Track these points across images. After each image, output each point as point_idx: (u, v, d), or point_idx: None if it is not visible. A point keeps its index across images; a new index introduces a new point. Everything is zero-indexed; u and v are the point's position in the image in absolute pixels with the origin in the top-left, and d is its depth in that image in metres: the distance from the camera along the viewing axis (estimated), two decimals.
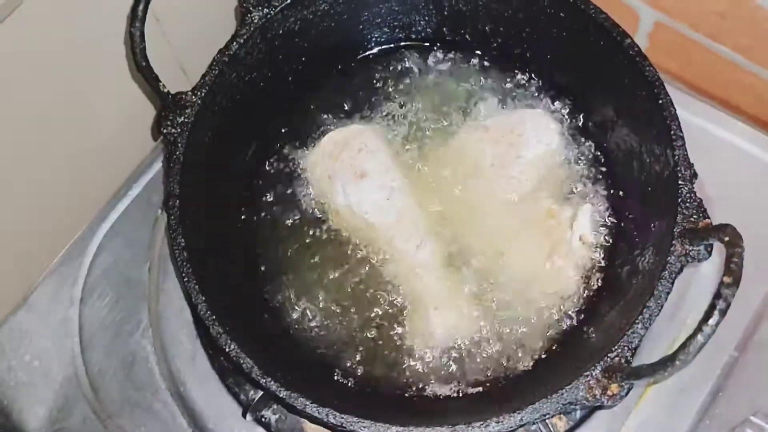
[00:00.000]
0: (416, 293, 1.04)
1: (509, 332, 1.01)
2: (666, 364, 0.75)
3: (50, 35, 1.01)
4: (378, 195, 1.09)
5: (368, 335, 1.02)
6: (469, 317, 1.02)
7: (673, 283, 0.86)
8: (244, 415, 1.04)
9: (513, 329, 1.02)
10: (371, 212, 1.08)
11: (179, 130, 0.98)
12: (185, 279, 0.91)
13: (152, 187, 1.22)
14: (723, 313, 0.73)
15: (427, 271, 1.05)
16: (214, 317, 0.89)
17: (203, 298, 0.90)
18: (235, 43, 1.04)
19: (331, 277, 1.06)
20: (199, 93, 1.00)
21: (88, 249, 1.18)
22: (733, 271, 0.75)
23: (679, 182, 0.90)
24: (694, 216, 0.88)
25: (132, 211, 1.21)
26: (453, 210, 1.09)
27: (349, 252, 1.07)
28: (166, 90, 0.99)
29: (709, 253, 0.86)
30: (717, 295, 0.73)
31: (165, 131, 0.98)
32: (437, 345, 1.01)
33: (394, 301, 1.04)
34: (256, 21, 1.05)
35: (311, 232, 1.09)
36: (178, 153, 0.97)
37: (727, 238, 0.79)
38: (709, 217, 0.88)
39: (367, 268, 1.06)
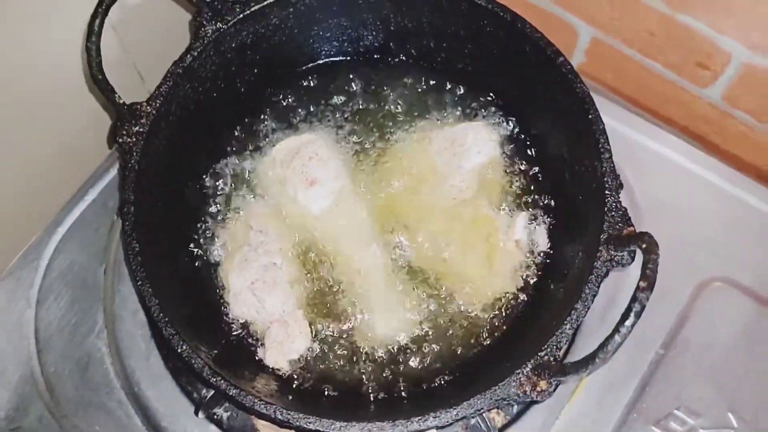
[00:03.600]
0: (362, 295, 1.08)
1: (449, 332, 1.07)
2: (588, 362, 0.81)
3: (7, 46, 1.04)
4: (327, 201, 1.14)
5: (316, 336, 1.07)
6: (411, 318, 1.07)
7: (599, 287, 0.92)
8: (196, 413, 1.07)
9: (453, 329, 1.07)
10: (320, 217, 1.13)
11: (134, 140, 1.01)
12: (139, 283, 0.94)
13: (108, 192, 1.25)
14: (638, 315, 0.79)
15: (373, 273, 1.09)
16: (167, 319, 0.92)
17: (156, 301, 0.93)
18: (189, 55, 1.07)
19: None
20: (153, 104, 1.03)
21: (44, 252, 1.20)
22: (648, 276, 0.80)
23: (606, 192, 0.95)
24: (619, 224, 0.93)
25: (88, 216, 1.23)
26: (398, 216, 1.13)
27: (299, 256, 1.12)
28: (121, 101, 1.02)
29: (633, 259, 0.92)
30: (633, 299, 0.79)
31: (120, 140, 1.01)
32: (381, 345, 1.06)
33: (341, 302, 1.09)
34: (209, 34, 1.09)
35: (262, 237, 1.12)
36: (132, 161, 1.00)
37: (644, 246, 0.84)
38: (632, 225, 0.94)
39: (315, 270, 1.11)
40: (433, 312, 1.08)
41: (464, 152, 1.15)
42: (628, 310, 0.79)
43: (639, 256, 0.87)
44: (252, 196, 1.16)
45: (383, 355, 1.05)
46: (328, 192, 1.14)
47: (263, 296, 1.05)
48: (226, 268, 1.10)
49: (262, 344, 1.06)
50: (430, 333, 1.07)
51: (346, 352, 1.06)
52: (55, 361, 1.13)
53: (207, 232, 1.14)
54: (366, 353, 1.06)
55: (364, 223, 1.13)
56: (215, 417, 1.08)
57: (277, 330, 1.04)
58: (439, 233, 1.12)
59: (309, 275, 1.10)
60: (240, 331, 1.07)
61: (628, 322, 0.79)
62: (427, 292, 1.09)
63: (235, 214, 1.15)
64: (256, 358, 1.05)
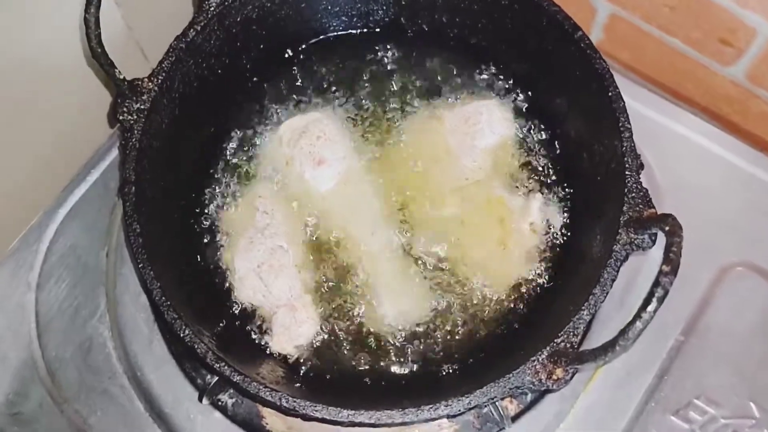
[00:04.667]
0: (371, 279, 1.06)
1: (461, 317, 1.04)
2: (607, 349, 0.77)
3: (2, 20, 1.01)
4: (335, 181, 1.11)
5: (324, 321, 1.04)
6: (422, 303, 1.04)
7: (618, 271, 0.88)
8: (200, 399, 1.05)
9: (465, 314, 1.04)
10: (328, 198, 1.10)
11: (135, 117, 0.98)
12: (140, 265, 0.91)
13: (110, 173, 1.22)
14: (661, 300, 0.75)
15: (382, 256, 1.07)
16: (168, 303, 0.89)
17: (158, 284, 0.90)
18: (192, 30, 1.04)
19: None
20: (155, 80, 1.00)
21: (45, 234, 1.18)
22: (671, 260, 0.77)
23: (626, 173, 0.92)
24: (640, 206, 0.90)
25: (90, 197, 1.21)
26: (408, 197, 1.10)
27: (306, 239, 1.09)
28: (122, 77, 0.99)
29: (653, 242, 0.88)
30: (656, 283, 0.76)
31: (121, 118, 0.98)
32: (390, 330, 1.03)
33: (350, 287, 1.06)
34: (213, 8, 1.05)
35: (268, 219, 1.09)
36: (134, 140, 0.97)
37: (667, 228, 0.81)
38: (653, 207, 0.90)
39: (323, 253, 1.08)
40: (445, 297, 1.05)
41: (477, 131, 1.12)
42: (651, 295, 0.76)
43: (660, 240, 0.84)
44: (258, 176, 1.13)
45: (393, 340, 1.03)
46: (336, 172, 1.11)
47: (270, 280, 1.03)
48: (231, 250, 1.07)
49: (268, 329, 1.03)
50: (442, 318, 1.04)
51: (354, 337, 1.03)
52: (56, 346, 1.11)
53: (211, 213, 1.11)
54: (375, 339, 1.03)
55: (373, 204, 1.10)
56: (219, 403, 1.06)
57: (284, 315, 1.02)
58: (451, 214, 1.09)
59: (316, 258, 1.07)
60: (245, 315, 1.04)
61: (650, 308, 0.75)
62: (438, 276, 1.06)
63: (241, 194, 1.12)
64: (262, 343, 1.02)
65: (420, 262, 1.07)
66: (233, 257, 1.06)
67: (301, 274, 1.06)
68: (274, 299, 1.03)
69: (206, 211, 1.11)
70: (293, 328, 1.01)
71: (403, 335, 1.03)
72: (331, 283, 1.06)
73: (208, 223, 1.10)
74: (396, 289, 1.05)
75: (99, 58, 0.97)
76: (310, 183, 1.10)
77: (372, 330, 1.03)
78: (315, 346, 1.03)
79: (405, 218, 1.09)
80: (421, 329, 1.03)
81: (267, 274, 1.03)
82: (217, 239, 1.09)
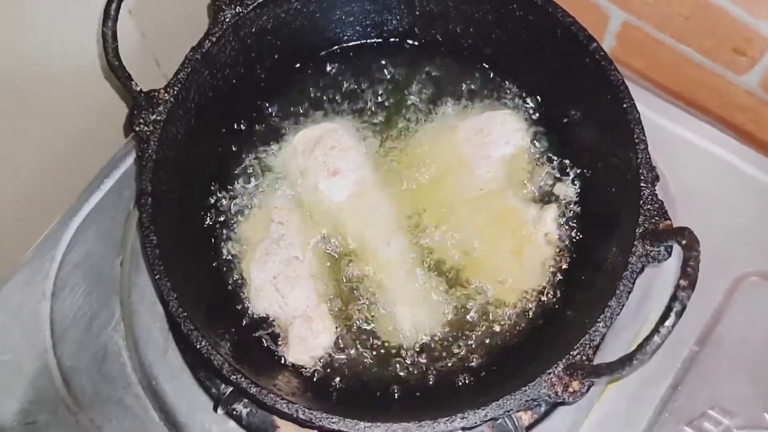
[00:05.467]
0: (386, 289, 1.05)
1: (476, 328, 1.04)
2: (624, 363, 0.77)
3: (22, 32, 1.01)
4: (349, 192, 1.11)
5: (338, 331, 1.04)
6: (437, 313, 1.04)
7: (634, 283, 0.88)
8: (215, 409, 1.05)
9: (479, 326, 1.04)
10: (343, 209, 1.10)
11: (152, 128, 0.98)
12: (157, 276, 0.91)
13: (125, 181, 1.22)
14: (679, 315, 0.75)
15: (397, 267, 1.06)
16: (185, 314, 0.90)
17: (174, 295, 0.90)
18: (207, 41, 1.04)
19: None
20: (171, 91, 1.00)
21: (60, 243, 1.18)
22: (689, 274, 0.77)
23: (641, 184, 0.92)
24: (656, 218, 0.90)
25: (104, 205, 1.21)
26: (423, 208, 1.10)
27: (321, 249, 1.09)
28: (138, 88, 0.99)
29: (669, 254, 0.88)
30: (673, 298, 0.76)
31: (137, 129, 0.98)
32: (406, 341, 1.03)
33: (365, 297, 1.06)
34: (228, 19, 1.06)
35: (284, 230, 1.09)
36: (150, 151, 0.97)
37: (684, 242, 0.80)
38: (669, 219, 0.90)
39: (338, 263, 1.08)
40: (459, 307, 1.05)
41: (491, 142, 1.11)
42: (668, 309, 0.75)
43: (676, 251, 0.83)
44: (272, 187, 1.13)
45: (409, 351, 1.03)
46: (351, 182, 1.11)
47: (286, 291, 1.03)
48: (247, 261, 1.07)
49: (284, 340, 1.03)
50: (457, 329, 1.04)
51: (370, 348, 1.03)
52: (71, 355, 1.11)
53: (226, 223, 1.11)
54: (391, 349, 1.03)
55: (388, 215, 1.10)
56: (234, 413, 1.06)
57: (300, 325, 1.01)
58: (465, 225, 1.08)
59: (332, 269, 1.07)
60: (261, 326, 1.04)
61: (668, 323, 0.75)
62: (452, 286, 1.06)
63: (256, 205, 1.12)
64: (278, 354, 1.02)
65: (435, 272, 1.06)
66: (249, 268, 1.06)
67: (317, 284, 1.06)
68: (290, 310, 1.03)
69: (221, 221, 1.11)
70: (309, 339, 1.01)
71: (419, 346, 1.03)
72: (346, 294, 1.06)
73: (223, 233, 1.10)
74: (411, 300, 1.04)
75: (116, 71, 0.97)
76: (324, 193, 1.10)
77: (387, 340, 1.03)
78: (331, 357, 1.02)
79: (419, 229, 1.09)
80: (436, 340, 1.03)
81: (283, 285, 1.03)
82: (233, 250, 1.09)
